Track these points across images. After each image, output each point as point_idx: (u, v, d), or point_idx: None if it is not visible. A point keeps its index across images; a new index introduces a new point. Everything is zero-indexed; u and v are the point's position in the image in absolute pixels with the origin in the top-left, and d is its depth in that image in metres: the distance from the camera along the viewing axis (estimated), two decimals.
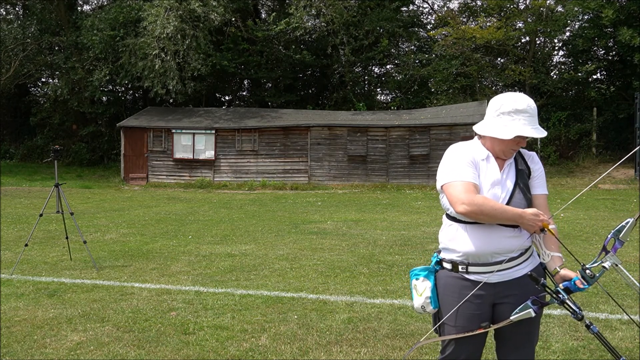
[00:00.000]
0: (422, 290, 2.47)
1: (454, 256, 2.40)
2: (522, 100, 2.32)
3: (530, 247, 2.41)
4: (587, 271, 2.16)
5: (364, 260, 6.96)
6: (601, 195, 15.00)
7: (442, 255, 2.47)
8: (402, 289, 5.52)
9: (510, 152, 2.38)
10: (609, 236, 2.19)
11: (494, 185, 2.34)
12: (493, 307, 2.40)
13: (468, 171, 2.33)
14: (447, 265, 2.43)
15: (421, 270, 2.51)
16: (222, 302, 5.12)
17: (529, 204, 2.35)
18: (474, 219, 2.27)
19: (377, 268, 6.52)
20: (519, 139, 2.32)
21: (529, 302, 2.23)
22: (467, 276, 2.37)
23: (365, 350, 3.94)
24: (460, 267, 2.38)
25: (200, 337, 4.21)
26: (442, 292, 2.45)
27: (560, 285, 2.21)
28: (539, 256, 2.40)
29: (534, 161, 2.48)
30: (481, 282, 2.34)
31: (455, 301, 2.38)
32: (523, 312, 2.23)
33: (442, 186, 2.38)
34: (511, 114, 2.31)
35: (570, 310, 2.16)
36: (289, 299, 5.23)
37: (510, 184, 2.36)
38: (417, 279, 2.50)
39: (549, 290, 2.18)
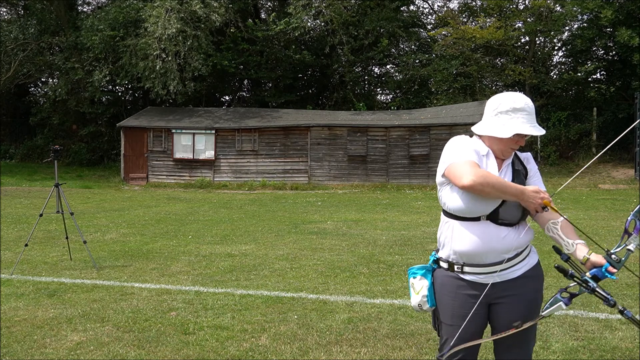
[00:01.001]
0: (419, 289, 2.50)
1: (449, 255, 2.41)
2: (519, 99, 2.32)
3: (526, 247, 2.40)
4: (613, 256, 2.12)
5: (364, 260, 6.96)
6: (601, 195, 15.00)
7: (439, 254, 2.48)
8: (402, 289, 5.52)
9: (509, 151, 2.38)
10: (630, 218, 2.14)
11: None
12: (489, 307, 2.40)
13: (472, 154, 2.32)
14: (444, 265, 2.44)
15: (418, 268, 2.53)
16: (222, 302, 5.12)
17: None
18: (479, 191, 2.20)
19: (377, 268, 6.53)
20: (517, 137, 2.32)
21: (558, 295, 2.18)
22: (462, 276, 2.38)
23: (365, 350, 3.94)
24: (455, 266, 2.39)
25: (200, 337, 4.21)
26: (438, 291, 2.46)
27: (588, 274, 2.15)
28: (562, 249, 2.29)
29: (529, 162, 2.49)
30: (476, 282, 2.35)
31: (451, 300, 2.40)
32: (554, 307, 2.18)
33: (445, 169, 2.34)
34: (509, 113, 2.31)
35: (602, 297, 2.11)
36: (289, 299, 5.23)
37: (508, 181, 2.36)
38: (414, 278, 2.52)
39: (577, 281, 2.13)
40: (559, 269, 2.14)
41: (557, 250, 2.30)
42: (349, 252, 7.58)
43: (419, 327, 4.38)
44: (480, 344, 2.49)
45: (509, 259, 2.32)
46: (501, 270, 2.33)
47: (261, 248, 7.97)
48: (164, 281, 5.99)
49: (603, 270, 2.13)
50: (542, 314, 2.23)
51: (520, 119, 2.29)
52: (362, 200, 15.64)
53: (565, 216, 2.30)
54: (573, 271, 2.16)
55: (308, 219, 11.35)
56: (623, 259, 2.12)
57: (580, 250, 2.23)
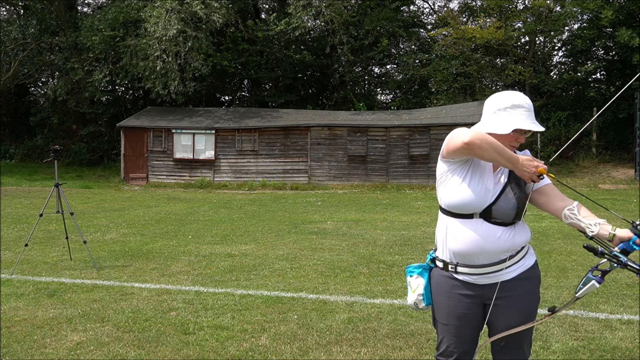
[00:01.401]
0: (415, 287, 2.51)
1: (444, 255, 2.41)
2: (518, 96, 2.32)
3: (522, 249, 2.38)
4: None
5: (364, 260, 6.96)
6: (601, 195, 15.00)
7: (436, 253, 2.49)
8: (402, 289, 5.52)
9: (509, 148, 2.37)
10: None
11: (488, 178, 2.33)
12: (484, 308, 2.40)
13: None
14: (439, 264, 2.45)
15: (415, 267, 2.54)
16: (222, 302, 5.12)
17: (518, 203, 2.32)
18: (477, 147, 2.17)
19: (377, 268, 6.53)
20: (517, 134, 2.30)
21: (590, 275, 2.16)
22: (456, 276, 2.38)
23: (365, 350, 3.94)
24: (450, 266, 2.40)
25: (200, 337, 4.21)
26: (434, 290, 2.47)
27: (616, 248, 2.13)
28: (586, 231, 2.23)
29: None
30: (469, 282, 2.36)
31: (446, 300, 2.41)
32: (587, 286, 2.15)
33: (445, 146, 2.32)
34: (508, 110, 2.30)
35: (635, 270, 2.09)
36: (289, 299, 5.23)
37: (503, 179, 2.34)
38: (411, 276, 2.54)
39: (608, 257, 2.12)
40: (588, 248, 2.13)
41: (583, 231, 2.27)
42: (349, 252, 7.58)
43: (419, 327, 4.38)
44: (476, 345, 2.48)
45: (504, 261, 2.31)
46: (495, 272, 2.32)
47: (261, 248, 7.97)
48: (164, 281, 5.99)
49: (631, 243, 2.11)
50: (577, 295, 2.19)
51: (519, 115, 2.28)
52: (362, 200, 15.64)
53: (560, 181, 2.28)
54: (602, 248, 2.14)
55: (308, 219, 11.35)
56: None
57: (604, 228, 2.20)
